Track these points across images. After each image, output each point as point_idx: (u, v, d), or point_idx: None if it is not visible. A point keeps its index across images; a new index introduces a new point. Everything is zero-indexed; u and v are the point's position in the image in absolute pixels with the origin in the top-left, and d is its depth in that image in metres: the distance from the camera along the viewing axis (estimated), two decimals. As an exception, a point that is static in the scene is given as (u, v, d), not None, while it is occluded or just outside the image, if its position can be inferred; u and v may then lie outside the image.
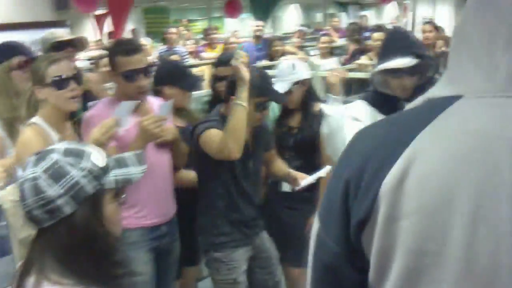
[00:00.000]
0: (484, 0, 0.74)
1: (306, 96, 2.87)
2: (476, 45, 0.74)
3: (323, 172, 2.54)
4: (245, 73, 2.26)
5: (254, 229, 2.56)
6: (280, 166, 2.70)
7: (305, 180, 2.54)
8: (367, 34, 8.12)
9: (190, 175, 2.66)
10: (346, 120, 2.34)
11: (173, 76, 2.77)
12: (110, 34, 9.27)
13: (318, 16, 18.70)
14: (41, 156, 1.22)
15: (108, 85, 3.58)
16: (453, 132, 0.71)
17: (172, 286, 2.66)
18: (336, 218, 0.79)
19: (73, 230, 1.19)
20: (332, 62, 5.84)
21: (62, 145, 1.25)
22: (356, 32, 7.07)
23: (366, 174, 0.75)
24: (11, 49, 2.70)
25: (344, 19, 15.38)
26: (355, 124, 2.29)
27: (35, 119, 2.14)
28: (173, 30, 7.06)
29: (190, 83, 2.81)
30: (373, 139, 0.78)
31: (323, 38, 6.12)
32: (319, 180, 2.57)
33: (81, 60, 5.32)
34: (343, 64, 6.22)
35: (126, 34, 8.39)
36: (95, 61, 4.29)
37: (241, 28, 13.55)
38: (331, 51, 6.11)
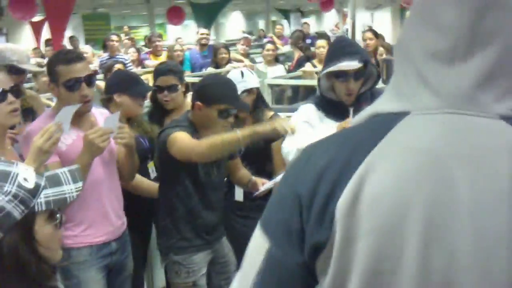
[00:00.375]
0: (425, 15, 0.75)
1: (256, 104, 2.87)
2: (420, 62, 0.74)
3: (280, 178, 2.53)
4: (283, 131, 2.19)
5: (215, 235, 2.54)
6: (244, 174, 2.68)
7: (264, 185, 2.53)
8: (308, 41, 8.27)
9: (144, 183, 2.64)
10: (298, 124, 2.35)
11: (122, 83, 2.71)
12: (48, 42, 8.94)
13: (261, 23, 18.89)
14: None
15: (47, 99, 3.43)
16: (403, 150, 0.72)
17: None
18: (293, 239, 0.77)
19: (1, 260, 1.10)
20: (278, 70, 5.88)
21: None
22: (301, 39, 7.18)
23: (319, 196, 0.74)
24: None
25: (286, 26, 15.59)
26: (306, 126, 2.33)
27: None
28: (114, 37, 6.84)
29: (139, 90, 2.74)
30: (326, 157, 0.77)
31: (268, 46, 6.15)
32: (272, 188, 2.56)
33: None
34: (289, 71, 6.29)
35: (65, 41, 8.11)
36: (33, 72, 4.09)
37: (184, 35, 13.46)
38: (276, 58, 6.15)
